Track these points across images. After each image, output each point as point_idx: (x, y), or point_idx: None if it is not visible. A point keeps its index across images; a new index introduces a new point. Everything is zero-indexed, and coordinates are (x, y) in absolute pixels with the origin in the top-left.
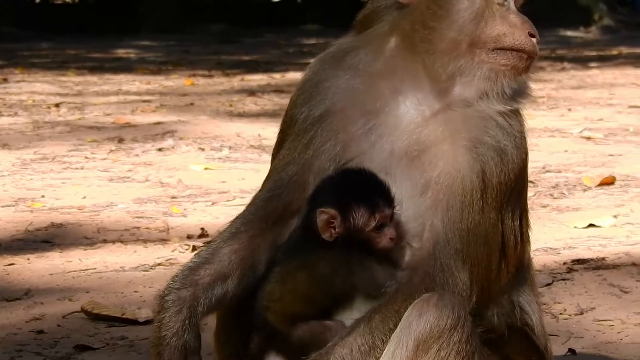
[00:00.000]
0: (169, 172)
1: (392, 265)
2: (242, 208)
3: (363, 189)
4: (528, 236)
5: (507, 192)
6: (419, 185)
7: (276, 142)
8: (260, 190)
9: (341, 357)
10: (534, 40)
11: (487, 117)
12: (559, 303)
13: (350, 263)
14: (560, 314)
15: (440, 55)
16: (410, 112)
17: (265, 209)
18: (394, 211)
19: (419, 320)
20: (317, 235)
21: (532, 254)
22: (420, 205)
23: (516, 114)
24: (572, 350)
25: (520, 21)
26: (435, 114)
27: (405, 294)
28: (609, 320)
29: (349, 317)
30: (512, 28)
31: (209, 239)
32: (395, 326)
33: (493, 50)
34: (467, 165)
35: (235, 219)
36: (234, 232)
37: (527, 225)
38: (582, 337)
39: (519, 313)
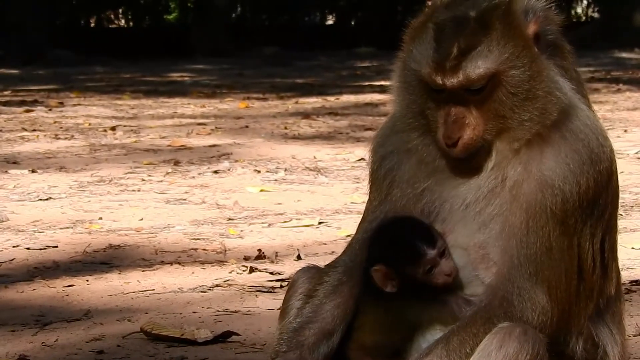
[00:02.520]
0: (225, 194)
1: (464, 294)
2: (298, 230)
3: (405, 239)
4: (611, 260)
5: (577, 217)
6: (488, 215)
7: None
8: (356, 233)
9: None
10: (452, 149)
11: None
12: None
13: (421, 297)
14: None
15: None
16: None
17: (363, 254)
18: (443, 247)
19: (498, 352)
20: (380, 288)
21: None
22: (491, 232)
23: (575, 140)
24: None
25: (442, 128)
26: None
27: (484, 317)
28: None
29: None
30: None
31: (266, 260)
32: (472, 350)
33: None
34: (526, 197)
35: (333, 267)
36: (335, 284)
37: (611, 249)
38: None
39: (600, 354)
